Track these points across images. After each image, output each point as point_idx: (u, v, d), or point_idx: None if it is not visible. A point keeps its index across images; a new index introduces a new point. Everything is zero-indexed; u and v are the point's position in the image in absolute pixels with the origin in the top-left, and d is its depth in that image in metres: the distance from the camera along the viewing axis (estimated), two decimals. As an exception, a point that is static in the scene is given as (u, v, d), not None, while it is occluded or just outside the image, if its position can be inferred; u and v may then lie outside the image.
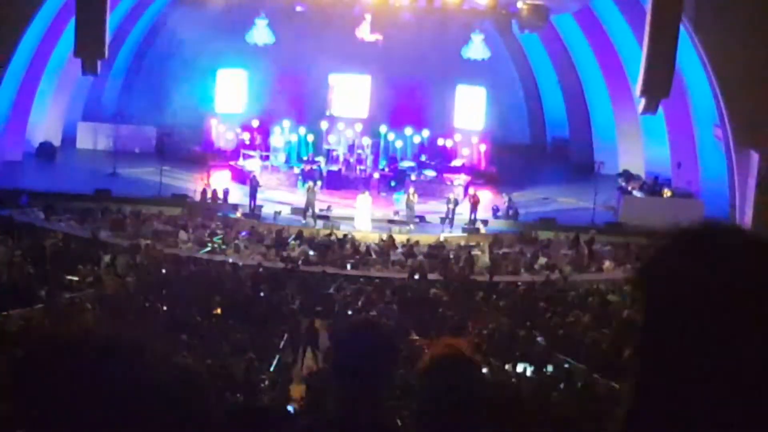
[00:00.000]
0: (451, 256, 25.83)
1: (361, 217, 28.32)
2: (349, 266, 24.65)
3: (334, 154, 33.05)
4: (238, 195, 29.67)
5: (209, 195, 29.30)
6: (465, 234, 28.27)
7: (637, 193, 31.91)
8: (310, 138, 33.32)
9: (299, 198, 29.60)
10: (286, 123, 33.42)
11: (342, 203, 29.72)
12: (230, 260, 24.02)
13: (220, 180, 31.16)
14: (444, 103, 34.69)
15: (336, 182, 31.73)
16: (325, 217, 28.33)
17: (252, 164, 32.12)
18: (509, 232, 28.68)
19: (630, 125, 33.66)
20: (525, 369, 16.55)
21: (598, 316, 19.81)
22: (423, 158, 33.79)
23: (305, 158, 32.87)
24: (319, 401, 12.96)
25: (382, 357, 3.08)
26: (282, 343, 18.57)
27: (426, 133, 34.22)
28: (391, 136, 33.80)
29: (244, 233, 26.82)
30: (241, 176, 31.28)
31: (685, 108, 30.83)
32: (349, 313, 19.52)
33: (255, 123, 33.75)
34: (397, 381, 5.75)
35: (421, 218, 29.13)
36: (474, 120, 34.95)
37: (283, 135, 33.55)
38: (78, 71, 26.98)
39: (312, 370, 16.97)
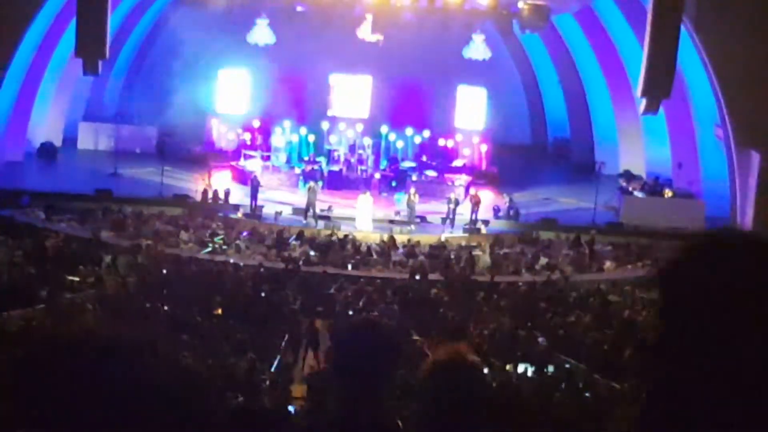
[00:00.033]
0: (452, 257, 25.82)
1: (362, 218, 28.30)
2: (350, 266, 24.64)
3: (335, 154, 33.06)
4: (239, 195, 29.65)
5: (210, 195, 29.30)
6: (466, 234, 28.25)
7: (638, 194, 31.88)
8: (311, 138, 33.34)
9: (300, 198, 29.58)
10: (287, 123, 33.43)
11: (343, 203, 29.69)
12: (231, 260, 24.02)
13: (221, 180, 31.16)
14: (445, 103, 34.70)
15: (337, 182, 31.73)
16: (326, 218, 28.31)
17: (253, 164, 32.12)
18: (510, 232, 28.67)
19: (631, 125, 33.66)
20: (526, 369, 16.54)
21: (599, 316, 19.80)
22: (424, 158, 33.78)
23: (306, 158, 32.86)
24: (320, 401, 12.97)
25: (382, 357, 3.08)
26: (283, 344, 18.54)
27: (427, 133, 34.21)
28: (392, 137, 33.80)
29: (245, 233, 26.81)
30: (242, 176, 31.27)
31: (686, 108, 30.82)
32: (350, 313, 19.51)
33: (256, 123, 33.75)
34: (397, 381, 5.75)
35: (422, 218, 29.11)
36: (475, 120, 34.97)
37: (284, 135, 33.56)
38: (79, 71, 27.00)
39: (313, 371, 16.97)
